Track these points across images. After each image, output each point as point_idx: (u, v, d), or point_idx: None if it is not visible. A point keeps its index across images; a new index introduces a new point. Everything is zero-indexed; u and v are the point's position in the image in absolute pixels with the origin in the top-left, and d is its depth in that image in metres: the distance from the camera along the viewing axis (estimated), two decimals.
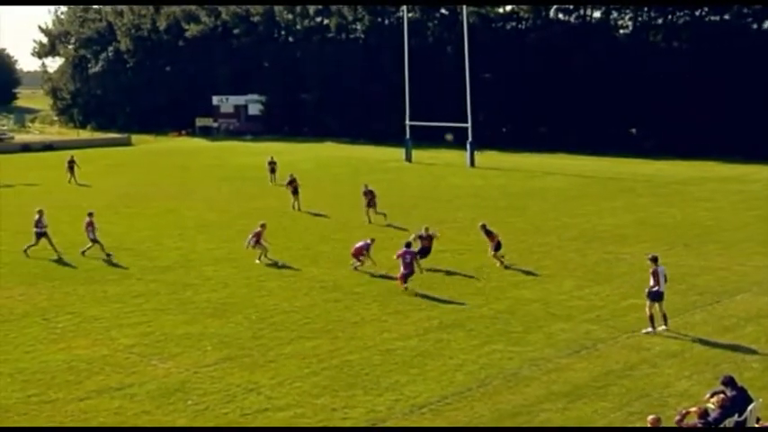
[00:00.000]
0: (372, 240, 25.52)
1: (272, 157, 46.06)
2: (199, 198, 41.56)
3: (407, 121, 58.16)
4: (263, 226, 26.81)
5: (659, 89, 60.71)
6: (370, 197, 33.55)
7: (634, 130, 65.77)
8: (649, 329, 18.95)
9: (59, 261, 26.93)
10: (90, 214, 27.77)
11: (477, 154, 55.12)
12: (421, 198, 40.27)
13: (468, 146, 54.73)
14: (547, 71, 64.93)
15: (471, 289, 22.97)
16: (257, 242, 26.45)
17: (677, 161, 54.66)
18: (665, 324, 19.08)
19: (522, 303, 21.74)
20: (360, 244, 25.35)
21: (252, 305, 21.86)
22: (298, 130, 78.59)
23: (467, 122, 54.29)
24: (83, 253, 27.29)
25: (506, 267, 24.97)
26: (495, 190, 43.09)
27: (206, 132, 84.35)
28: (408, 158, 57.46)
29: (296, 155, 60.42)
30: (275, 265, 26.16)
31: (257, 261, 26.22)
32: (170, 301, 22.44)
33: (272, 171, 44.97)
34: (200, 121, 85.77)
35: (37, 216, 27.85)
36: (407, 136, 58.10)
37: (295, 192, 37.00)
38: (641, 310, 19.82)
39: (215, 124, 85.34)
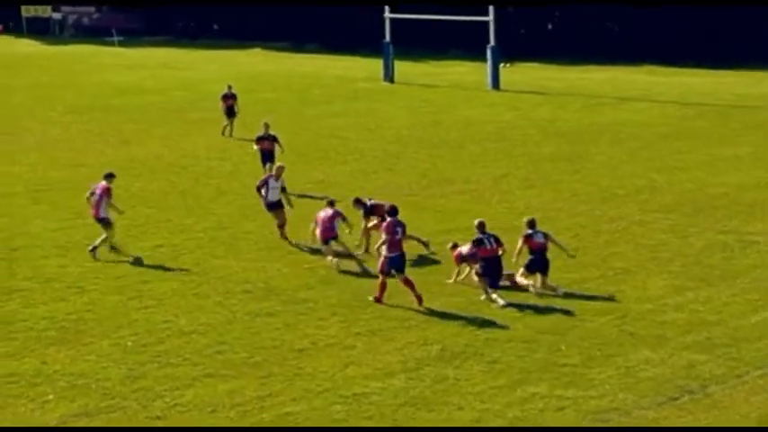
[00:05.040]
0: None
1: (229, 88, 42.96)
2: (32, 143, 41.37)
3: (387, 14, 58.13)
4: None
5: None
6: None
7: None
8: None
9: None
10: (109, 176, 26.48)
11: (504, 68, 55.17)
12: (410, 143, 40.28)
13: (489, 54, 54.84)
14: None
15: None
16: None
17: None
18: None
19: (580, 317, 21.92)
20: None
21: (126, 323, 21.83)
22: (202, 30, 78.19)
23: (487, 15, 54.36)
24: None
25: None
26: (534, 128, 43.23)
27: (41, 30, 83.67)
28: (389, 76, 57.48)
29: (200, 70, 60.19)
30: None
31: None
32: None
33: (231, 113, 42.23)
34: (29, 11, 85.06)
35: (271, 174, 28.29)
36: (387, 38, 58.06)
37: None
38: None
39: (57, 15, 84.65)
